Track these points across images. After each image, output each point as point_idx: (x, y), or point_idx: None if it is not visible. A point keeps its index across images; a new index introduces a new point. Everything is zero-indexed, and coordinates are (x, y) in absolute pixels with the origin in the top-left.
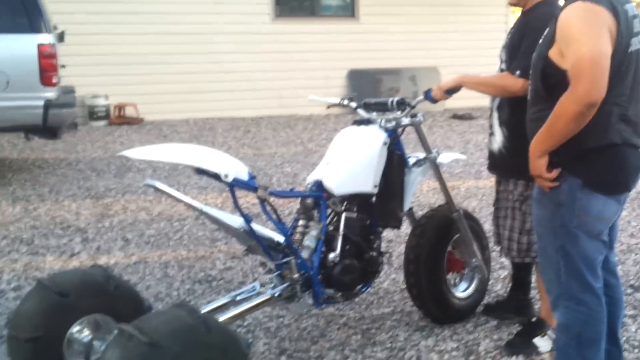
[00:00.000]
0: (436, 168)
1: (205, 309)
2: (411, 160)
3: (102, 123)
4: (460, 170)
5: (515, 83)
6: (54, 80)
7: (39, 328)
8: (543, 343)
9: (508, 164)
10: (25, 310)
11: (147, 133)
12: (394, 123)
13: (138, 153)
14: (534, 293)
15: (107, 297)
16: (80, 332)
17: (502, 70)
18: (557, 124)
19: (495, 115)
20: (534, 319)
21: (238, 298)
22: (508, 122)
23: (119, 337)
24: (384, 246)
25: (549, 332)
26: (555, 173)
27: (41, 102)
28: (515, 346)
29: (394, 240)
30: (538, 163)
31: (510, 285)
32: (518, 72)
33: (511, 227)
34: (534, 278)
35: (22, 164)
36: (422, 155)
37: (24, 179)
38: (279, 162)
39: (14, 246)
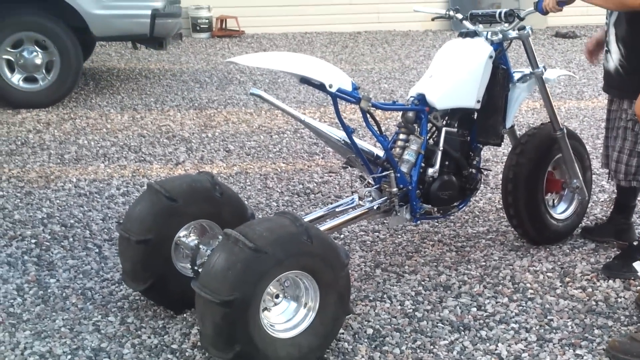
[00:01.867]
0: (542, 84)
1: (306, 219)
2: (516, 76)
3: (204, 35)
4: (561, 91)
5: None
6: None
7: (150, 230)
8: None
9: (624, 82)
10: (136, 213)
11: (248, 46)
12: (500, 36)
13: (246, 60)
14: (635, 217)
15: (214, 203)
16: (188, 236)
17: None
18: None
19: (612, 31)
20: (635, 242)
21: (337, 210)
22: (625, 39)
23: (225, 241)
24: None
25: None
26: None
27: (148, 12)
28: (613, 269)
29: (491, 160)
30: None
31: (612, 208)
32: None
33: (620, 148)
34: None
35: (129, 73)
36: (527, 70)
37: (131, 88)
38: (376, 79)
39: (122, 153)
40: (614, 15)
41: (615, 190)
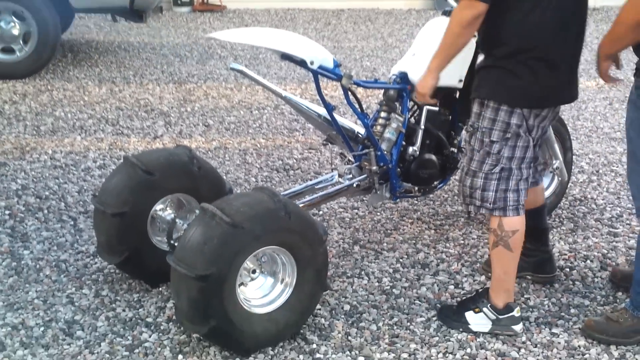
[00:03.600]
0: None
1: (284, 195)
2: None
3: (185, 9)
4: None
5: None
6: None
7: (126, 204)
8: None
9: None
10: (112, 185)
11: (229, 21)
12: None
13: (227, 35)
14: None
15: (191, 177)
16: (164, 210)
17: None
18: None
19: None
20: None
21: (316, 187)
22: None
23: (201, 216)
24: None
25: None
26: None
27: None
28: (442, 313)
29: None
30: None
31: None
32: None
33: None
34: None
35: (108, 46)
36: None
37: (109, 61)
38: (359, 56)
39: (99, 126)
40: None
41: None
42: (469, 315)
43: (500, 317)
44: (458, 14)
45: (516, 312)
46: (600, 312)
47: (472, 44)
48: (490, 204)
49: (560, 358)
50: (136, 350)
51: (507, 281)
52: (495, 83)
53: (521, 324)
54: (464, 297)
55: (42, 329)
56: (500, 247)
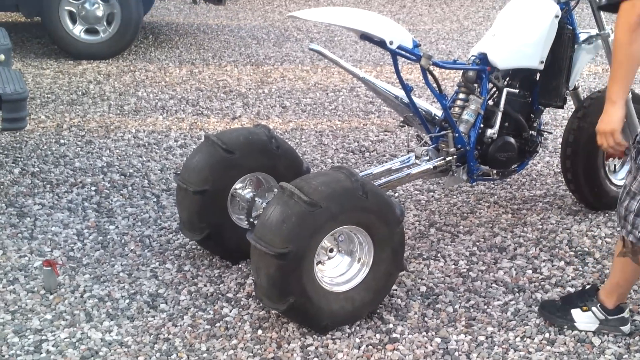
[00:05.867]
0: (608, 47)
1: (362, 175)
2: (582, 36)
3: None
4: None
5: None
6: None
7: (206, 181)
8: None
9: None
10: (194, 164)
11: (305, 4)
12: None
13: (307, 14)
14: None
15: (270, 156)
16: (244, 188)
17: None
18: None
19: None
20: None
21: (392, 168)
22: None
23: (280, 194)
24: None
25: None
26: None
27: None
28: (546, 309)
29: (550, 123)
30: None
31: None
32: None
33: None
34: None
35: (188, 28)
36: (593, 31)
37: (189, 43)
38: (434, 39)
39: (180, 106)
40: None
41: None
42: (576, 313)
43: (610, 317)
44: (622, 20)
45: (626, 313)
46: None
47: (555, 24)
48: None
49: None
50: (217, 325)
51: (625, 287)
52: None
53: (629, 324)
54: (568, 293)
55: (127, 301)
56: (627, 257)
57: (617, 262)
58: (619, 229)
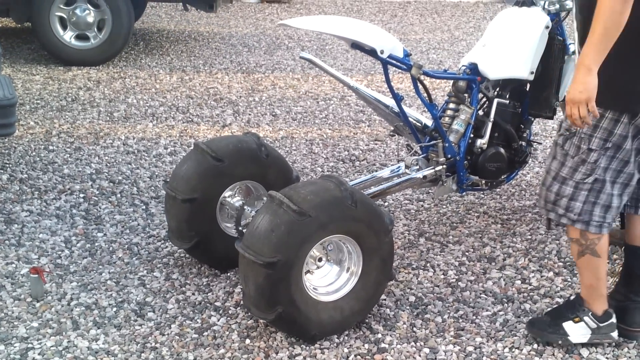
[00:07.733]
0: None
1: (351, 184)
2: (572, 47)
3: (254, 0)
4: None
5: None
6: None
7: (195, 190)
8: None
9: None
10: (183, 172)
11: (296, 12)
12: (557, 6)
13: (298, 22)
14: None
15: (259, 164)
16: (233, 196)
17: None
18: None
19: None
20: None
21: (382, 177)
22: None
23: (269, 203)
24: None
25: None
26: None
27: None
28: (536, 327)
29: (540, 134)
30: None
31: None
32: None
33: (548, 169)
34: None
35: (179, 35)
36: None
37: (180, 50)
38: (425, 49)
39: (170, 113)
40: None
41: None
42: (568, 326)
43: (601, 324)
44: None
45: (614, 318)
46: None
47: (545, 35)
48: (574, 214)
49: (630, 357)
50: (205, 333)
51: (601, 286)
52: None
53: (617, 330)
54: (554, 308)
55: (114, 309)
56: (587, 255)
57: (581, 264)
58: (547, 217)
